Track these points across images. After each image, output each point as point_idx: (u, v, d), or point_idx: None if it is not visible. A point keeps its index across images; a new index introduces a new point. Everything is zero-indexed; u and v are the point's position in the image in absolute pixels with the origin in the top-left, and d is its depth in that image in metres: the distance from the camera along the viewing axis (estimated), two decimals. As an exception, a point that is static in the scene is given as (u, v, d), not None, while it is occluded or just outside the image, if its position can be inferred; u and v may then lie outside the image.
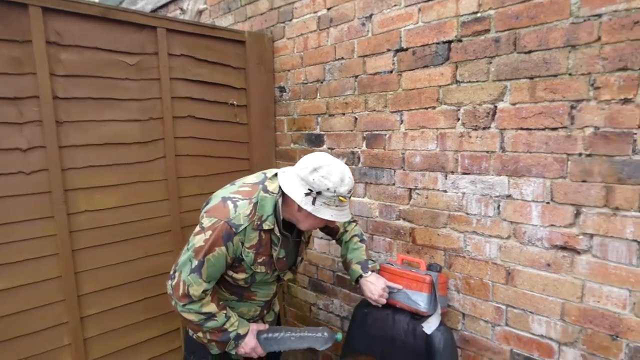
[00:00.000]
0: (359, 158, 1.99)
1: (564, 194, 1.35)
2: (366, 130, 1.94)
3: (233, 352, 1.40)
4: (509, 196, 1.48)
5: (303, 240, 1.51)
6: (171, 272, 1.32)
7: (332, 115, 2.10)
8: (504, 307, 1.54)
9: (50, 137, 1.61)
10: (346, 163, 2.10)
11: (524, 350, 1.51)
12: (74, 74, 1.66)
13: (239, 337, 1.38)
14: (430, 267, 1.65)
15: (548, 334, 1.44)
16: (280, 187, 1.31)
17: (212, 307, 1.31)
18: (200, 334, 1.36)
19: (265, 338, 1.45)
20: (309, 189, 1.24)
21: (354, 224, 1.69)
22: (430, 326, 1.53)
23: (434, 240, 1.72)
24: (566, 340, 1.40)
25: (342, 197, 1.25)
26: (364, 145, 1.96)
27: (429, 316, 1.56)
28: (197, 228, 1.28)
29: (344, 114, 2.04)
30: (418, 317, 1.58)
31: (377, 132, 1.89)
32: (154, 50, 1.86)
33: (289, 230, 1.39)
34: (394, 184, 1.85)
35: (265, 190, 1.32)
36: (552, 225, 1.38)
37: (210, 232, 1.24)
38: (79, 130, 1.68)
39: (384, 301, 1.54)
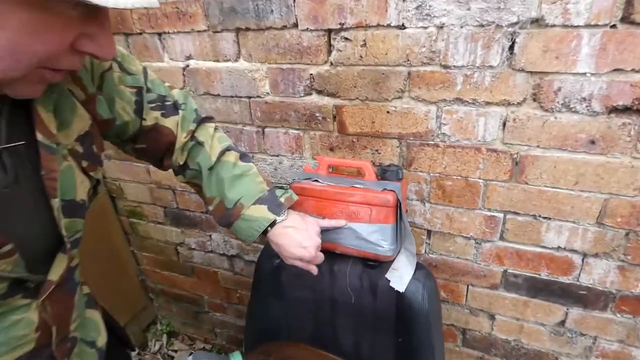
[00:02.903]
0: (213, -21, 0.99)
1: (651, 4, 0.69)
2: None
3: None
4: (535, 21, 0.76)
5: (49, 146, 0.49)
6: None
7: None
8: (500, 215, 0.97)
9: None
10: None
11: (525, 269, 1.01)
12: None
13: None
14: (385, 173, 0.93)
15: (569, 244, 0.94)
16: None
17: None
18: None
19: None
20: None
21: (211, 124, 0.80)
22: (402, 277, 0.89)
23: (380, 122, 0.98)
24: (598, 250, 0.92)
25: None
26: (221, -54, 0.94)
27: (392, 261, 0.91)
28: None
29: None
30: (375, 263, 0.92)
31: None
32: None
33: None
34: (295, 26, 0.95)
35: None
36: (616, 70, 0.74)
37: None
38: None
39: (321, 259, 0.81)
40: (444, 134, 0.93)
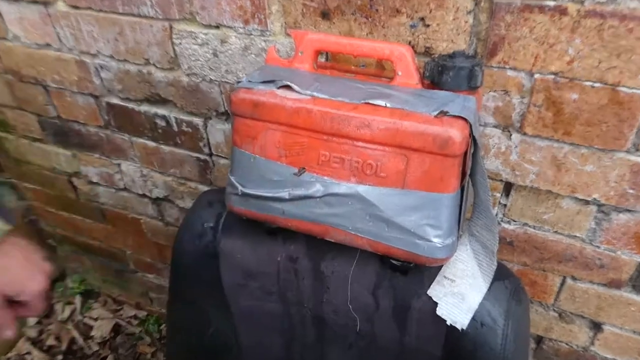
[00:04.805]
0: None
1: None
2: None
3: None
4: None
5: None
6: None
7: None
8: (670, 165, 0.59)
9: None
10: None
11: (689, 264, 0.67)
12: None
13: None
14: (442, 74, 0.51)
15: None
16: None
17: None
18: None
19: None
20: None
21: None
22: (463, 298, 0.53)
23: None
24: None
25: None
26: None
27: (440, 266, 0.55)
28: None
29: None
30: (405, 264, 0.55)
31: None
32: None
33: None
34: None
35: None
36: None
37: None
38: None
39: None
40: (586, -18, 0.49)
